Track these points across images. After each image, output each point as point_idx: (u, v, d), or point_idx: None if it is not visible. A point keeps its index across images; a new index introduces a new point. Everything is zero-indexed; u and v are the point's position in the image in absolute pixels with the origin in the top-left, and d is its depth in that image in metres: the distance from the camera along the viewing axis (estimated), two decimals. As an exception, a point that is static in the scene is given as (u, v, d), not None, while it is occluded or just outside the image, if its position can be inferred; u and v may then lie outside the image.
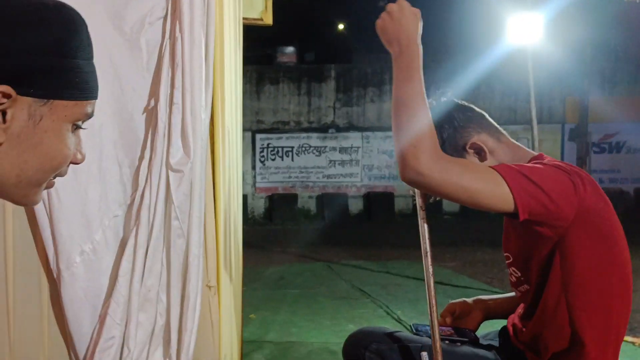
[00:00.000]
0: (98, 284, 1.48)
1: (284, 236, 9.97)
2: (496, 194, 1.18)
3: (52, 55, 0.64)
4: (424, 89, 1.24)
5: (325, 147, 12.31)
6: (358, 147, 12.39)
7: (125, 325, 1.44)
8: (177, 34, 1.45)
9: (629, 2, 3.00)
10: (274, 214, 11.95)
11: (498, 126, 1.41)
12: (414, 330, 1.47)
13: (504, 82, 10.76)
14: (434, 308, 1.33)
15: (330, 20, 14.93)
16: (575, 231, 1.22)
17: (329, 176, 12.36)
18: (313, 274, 6.21)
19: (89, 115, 0.70)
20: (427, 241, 1.38)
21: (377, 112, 12.41)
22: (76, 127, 0.70)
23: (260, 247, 8.42)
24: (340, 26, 15.90)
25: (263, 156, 12.27)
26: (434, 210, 12.05)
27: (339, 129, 12.39)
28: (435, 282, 5.20)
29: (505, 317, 1.52)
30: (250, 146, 12.14)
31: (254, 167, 12.23)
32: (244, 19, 2.64)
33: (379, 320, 4.26)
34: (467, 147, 1.36)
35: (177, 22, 1.47)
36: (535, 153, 1.37)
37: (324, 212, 12.05)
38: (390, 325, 4.13)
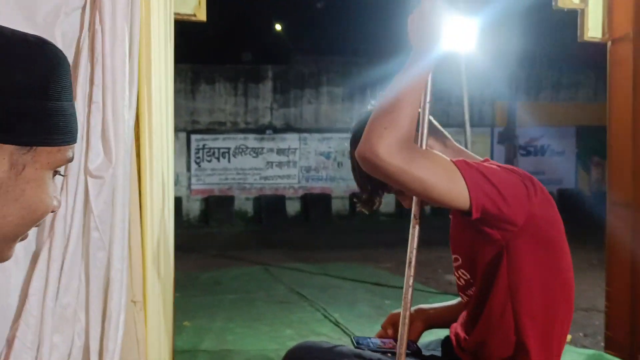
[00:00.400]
0: (5, 303, 1.33)
1: (221, 239, 9.78)
2: (452, 189, 1.16)
3: (36, 98, 0.59)
4: (423, 88, 1.25)
5: (263, 148, 12.17)
6: (295, 149, 12.33)
7: (37, 349, 1.29)
8: (97, 25, 1.32)
9: (556, 10, 3.09)
10: (210, 216, 11.69)
11: (444, 131, 1.39)
12: (355, 344, 1.41)
13: (438, 85, 11.01)
14: (406, 320, 1.29)
15: (267, 20, 14.81)
16: (524, 236, 1.22)
17: (266, 178, 12.23)
18: (250, 278, 6.09)
19: (70, 160, 0.66)
20: (414, 251, 1.33)
21: (315, 113, 12.41)
22: (55, 173, 0.65)
23: (196, 251, 8.19)
24: (278, 27, 15.82)
25: (199, 157, 11.98)
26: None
27: (276, 130, 12.29)
28: (372, 283, 5.17)
29: (447, 326, 1.49)
30: (185, 147, 11.82)
31: (189, 169, 11.92)
32: (175, 14, 2.51)
33: (317, 324, 4.21)
34: None
35: (97, 13, 1.34)
36: (480, 158, 1.35)
37: (262, 214, 11.91)
38: (328, 329, 4.09)
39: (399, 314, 1.51)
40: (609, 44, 3.08)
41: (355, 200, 1.44)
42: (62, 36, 1.34)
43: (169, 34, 2.16)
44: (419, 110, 1.26)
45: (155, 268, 1.71)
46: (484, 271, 1.29)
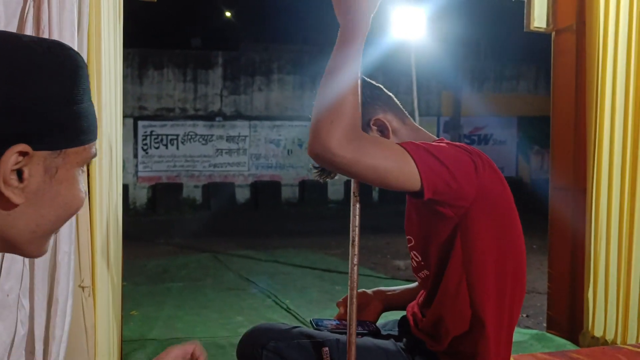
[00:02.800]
0: (-59, 289, 1.25)
1: (168, 227, 9.59)
2: (404, 172, 1.16)
3: (64, 105, 0.63)
4: (359, 69, 1.18)
5: (212, 135, 11.98)
6: (245, 136, 12.21)
7: (-23, 337, 1.22)
8: (42, -4, 1.25)
9: (503, 0, 3.16)
10: (157, 204, 11.44)
11: (404, 110, 1.40)
12: (314, 326, 1.40)
13: (387, 74, 11.12)
14: (354, 299, 1.29)
15: (217, 6, 14.53)
16: (475, 211, 1.24)
17: (215, 165, 12.05)
18: (199, 265, 6.01)
19: (94, 155, 0.71)
20: (357, 229, 1.33)
21: (265, 101, 12.30)
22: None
23: (143, 239, 8.01)
24: (228, 13, 15.56)
25: (146, 144, 11.67)
26: (319, 199, 12.24)
27: (226, 117, 12.12)
28: (322, 269, 5.20)
29: (405, 308, 1.50)
30: (132, 133, 11.49)
31: (136, 156, 11.60)
32: (124, -8, 2.41)
33: (268, 311, 4.20)
34: (371, 124, 1.35)
35: (42, -17, 1.26)
36: (436, 137, 1.37)
37: (210, 201, 11.76)
38: (279, 316, 4.09)
39: (357, 293, 1.52)
40: (553, 34, 3.18)
41: (314, 169, 1.40)
42: (4, 5, 1.25)
43: (119, 11, 2.07)
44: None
45: (104, 253, 1.65)
46: (439, 250, 1.30)
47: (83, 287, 1.38)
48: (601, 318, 2.89)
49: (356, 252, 1.31)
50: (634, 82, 2.71)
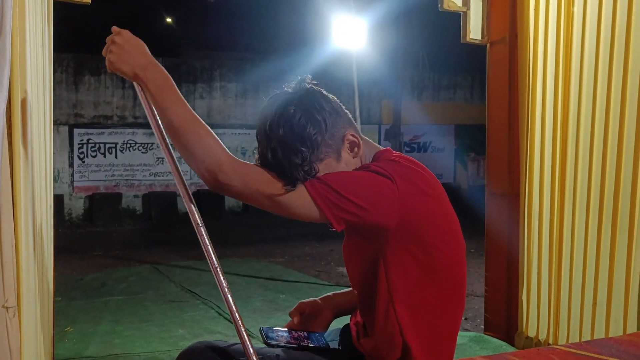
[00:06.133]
0: None
1: (106, 239, 9.27)
2: (305, 206, 1.19)
3: None
4: (188, 105, 1.24)
5: (152, 143, 11.68)
6: (187, 144, 11.99)
7: None
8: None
9: (440, 12, 3.26)
10: (95, 215, 11.02)
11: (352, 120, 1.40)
12: (264, 336, 1.36)
13: (328, 83, 11.23)
14: (240, 322, 1.27)
15: (157, 12, 14.24)
16: (397, 238, 1.21)
17: (156, 174, 11.76)
18: (139, 277, 5.82)
19: None
20: (213, 255, 1.30)
21: (207, 108, 12.13)
22: None
23: (79, 252, 7.70)
24: (168, 19, 15.28)
25: (82, 153, 11.24)
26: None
27: (167, 125, 11.86)
28: (266, 278, 5.16)
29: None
30: (67, 142, 11.05)
31: (71, 165, 11.16)
32: (54, -6, 2.31)
33: (210, 322, 4.12)
34: (345, 139, 1.31)
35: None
36: (382, 147, 1.37)
37: (151, 211, 11.45)
38: (222, 327, 4.01)
39: (307, 302, 1.50)
40: (488, 46, 3.29)
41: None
42: None
43: (47, 13, 1.98)
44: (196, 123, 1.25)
45: (31, 269, 1.56)
46: (365, 275, 1.28)
47: (7, 308, 1.30)
48: (534, 319, 3.00)
49: (223, 279, 1.30)
50: (562, 91, 2.83)
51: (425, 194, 1.24)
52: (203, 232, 1.29)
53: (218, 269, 1.28)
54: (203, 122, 1.23)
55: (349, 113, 1.37)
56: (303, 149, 1.22)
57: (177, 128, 1.20)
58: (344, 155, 1.30)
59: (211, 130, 1.21)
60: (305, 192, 1.18)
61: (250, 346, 1.25)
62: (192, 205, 1.31)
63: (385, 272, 1.24)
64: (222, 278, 1.27)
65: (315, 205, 1.18)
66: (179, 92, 1.24)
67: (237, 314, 1.27)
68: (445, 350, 1.32)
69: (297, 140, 1.23)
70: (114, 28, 1.27)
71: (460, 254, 1.32)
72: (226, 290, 1.28)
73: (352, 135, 1.32)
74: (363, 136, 1.38)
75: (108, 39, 1.25)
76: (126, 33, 1.24)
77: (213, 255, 1.28)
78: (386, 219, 1.19)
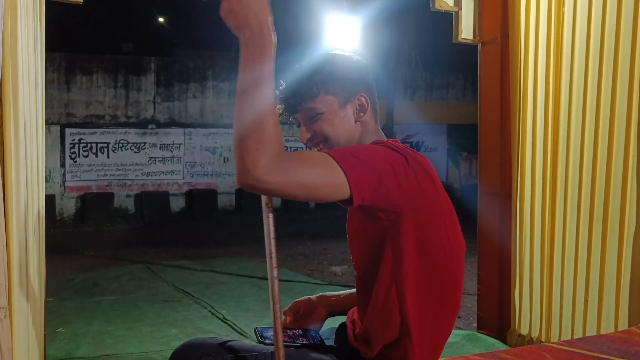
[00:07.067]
0: None
1: (99, 239, 9.23)
2: (334, 185, 1.14)
3: None
4: (273, 82, 1.10)
5: (145, 143, 11.64)
6: (180, 144, 11.95)
7: None
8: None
9: (433, 11, 3.27)
10: (86, 214, 10.97)
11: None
12: (259, 336, 1.36)
13: (323, 82, 11.25)
14: (278, 314, 1.21)
15: (149, 11, 14.20)
16: (406, 217, 1.23)
17: (148, 174, 11.72)
18: (131, 277, 5.80)
19: None
20: (273, 241, 1.25)
21: (200, 108, 12.10)
22: None
23: (71, 252, 7.67)
24: (161, 19, 15.24)
25: (74, 152, 11.18)
26: (256, 207, 12.14)
27: (159, 125, 11.82)
28: (259, 278, 5.15)
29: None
30: (59, 141, 10.99)
31: (63, 165, 11.09)
32: (46, -7, 2.30)
33: (203, 322, 4.11)
34: (357, 97, 1.37)
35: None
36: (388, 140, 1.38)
37: (143, 211, 11.41)
38: (215, 326, 4.00)
39: (301, 301, 1.50)
40: (480, 46, 3.31)
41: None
42: None
43: (39, 12, 1.98)
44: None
45: (22, 270, 1.56)
46: (368, 253, 1.30)
47: (-2, 307, 1.30)
48: (527, 317, 3.02)
49: (275, 265, 1.24)
50: (552, 90, 2.85)
51: (429, 175, 1.27)
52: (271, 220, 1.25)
53: (272, 255, 1.25)
54: (276, 111, 1.12)
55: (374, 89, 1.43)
56: (325, 69, 1.34)
57: (247, 97, 1.07)
58: (348, 109, 1.36)
59: (277, 119, 1.11)
60: (335, 167, 1.15)
61: (280, 340, 1.22)
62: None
63: (392, 249, 1.25)
64: (274, 267, 1.24)
65: (343, 180, 1.14)
66: (271, 63, 1.08)
67: (279, 312, 1.23)
68: (443, 332, 1.34)
69: (325, 63, 1.37)
70: None
71: (459, 240, 1.34)
72: (275, 280, 1.23)
73: (366, 100, 1.38)
74: (376, 117, 1.42)
75: None
76: None
77: (272, 243, 1.25)
78: (399, 195, 1.20)
